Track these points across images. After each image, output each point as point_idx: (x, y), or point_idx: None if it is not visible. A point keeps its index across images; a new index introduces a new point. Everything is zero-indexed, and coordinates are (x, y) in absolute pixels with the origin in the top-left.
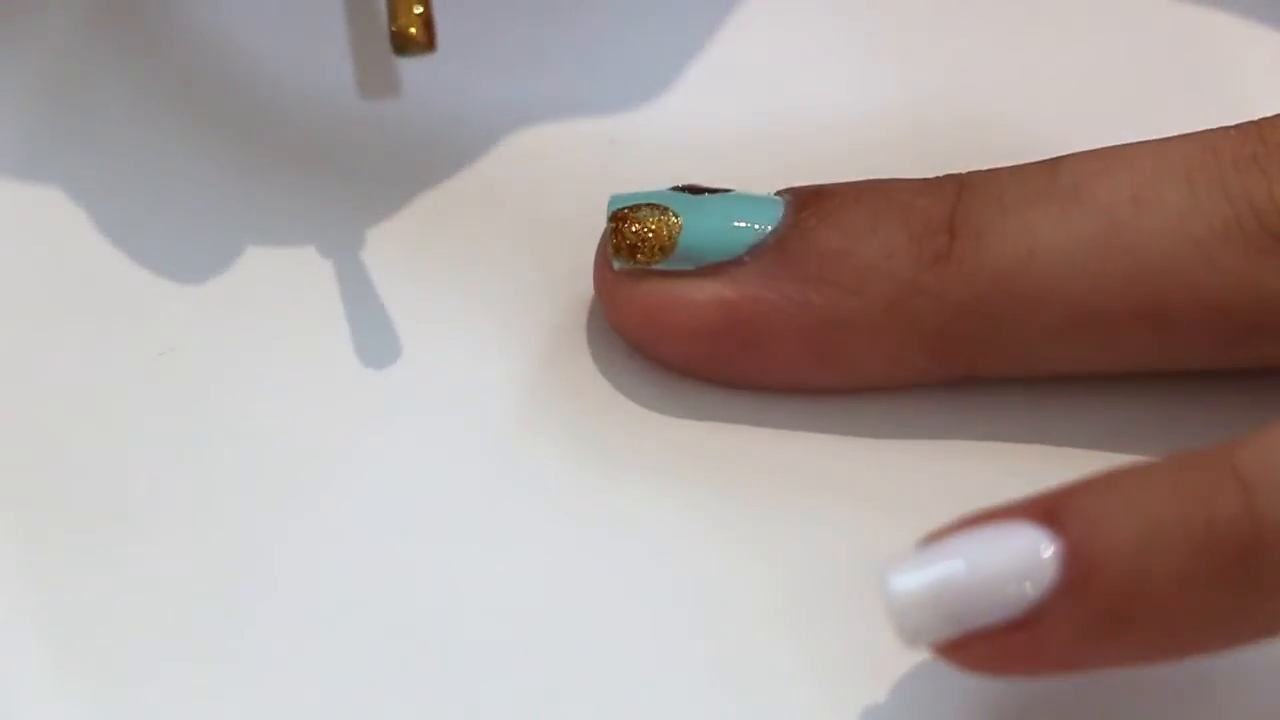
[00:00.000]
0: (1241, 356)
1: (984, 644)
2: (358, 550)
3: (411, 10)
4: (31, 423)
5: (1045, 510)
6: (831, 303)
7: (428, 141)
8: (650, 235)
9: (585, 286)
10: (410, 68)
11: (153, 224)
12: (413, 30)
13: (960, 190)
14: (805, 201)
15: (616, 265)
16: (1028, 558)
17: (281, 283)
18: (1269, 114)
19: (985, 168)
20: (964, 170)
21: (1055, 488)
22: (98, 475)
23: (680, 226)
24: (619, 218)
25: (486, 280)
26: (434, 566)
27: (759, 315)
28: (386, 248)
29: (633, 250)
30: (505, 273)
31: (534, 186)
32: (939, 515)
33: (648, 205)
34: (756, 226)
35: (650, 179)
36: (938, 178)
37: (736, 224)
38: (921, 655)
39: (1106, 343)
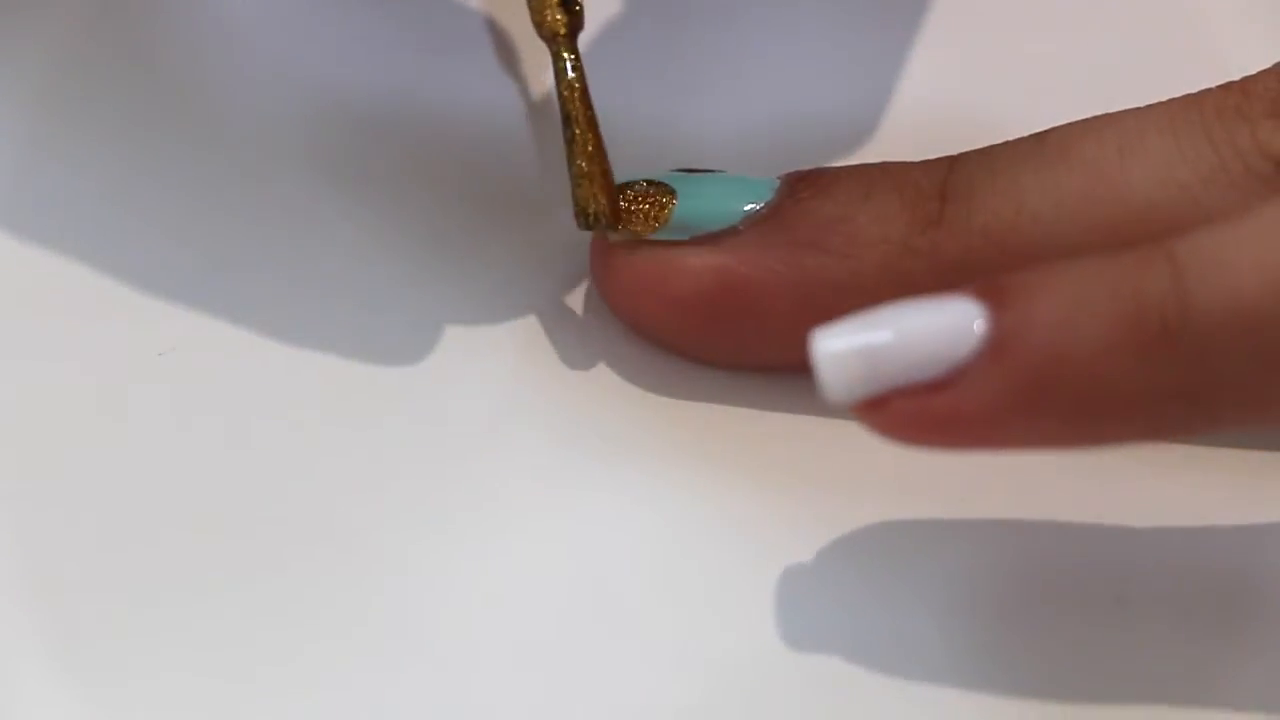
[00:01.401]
0: None
1: (903, 402)
2: (358, 545)
3: (595, 188)
4: (31, 423)
5: (984, 286)
6: (826, 267)
7: (425, 137)
8: (645, 205)
9: (579, 273)
10: (411, 66)
11: (152, 224)
12: (602, 210)
13: (952, 163)
14: (800, 177)
15: (612, 236)
16: (958, 322)
17: (281, 281)
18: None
19: None
20: None
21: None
22: (98, 475)
23: (675, 197)
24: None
25: (482, 276)
26: (432, 556)
27: (754, 280)
28: (383, 239)
29: (628, 219)
30: (502, 264)
31: (533, 185)
32: (936, 497)
33: (643, 180)
34: (750, 201)
35: (650, 177)
36: (932, 158)
37: (730, 198)
38: (923, 652)
39: None
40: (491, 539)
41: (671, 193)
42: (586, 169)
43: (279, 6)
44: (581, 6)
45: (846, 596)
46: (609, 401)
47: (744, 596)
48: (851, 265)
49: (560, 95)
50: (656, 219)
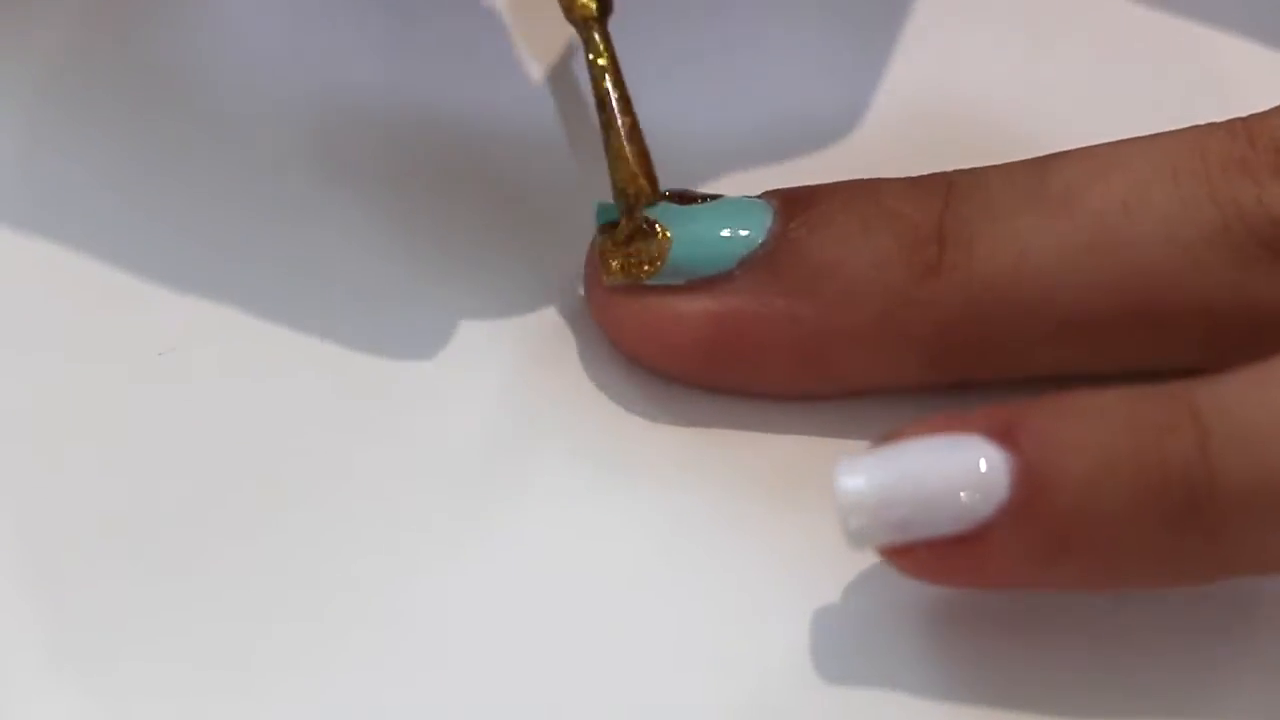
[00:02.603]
0: (1234, 358)
1: (927, 553)
2: (358, 545)
3: (634, 169)
4: (32, 423)
5: (1001, 425)
6: (823, 316)
7: (426, 141)
8: (640, 252)
9: (580, 282)
10: (410, 67)
11: (152, 224)
12: (643, 191)
13: (948, 194)
14: (793, 209)
15: (608, 281)
16: (978, 473)
17: (282, 283)
18: (1258, 109)
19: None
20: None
21: (1012, 403)
22: (98, 476)
23: (670, 242)
24: (608, 232)
25: (482, 277)
26: (433, 558)
27: (751, 330)
28: (385, 246)
29: (623, 267)
30: (501, 269)
31: (531, 183)
32: None
33: (635, 220)
34: (745, 233)
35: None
36: (925, 177)
37: (725, 235)
38: (923, 651)
39: (1098, 345)
40: (490, 550)
41: (667, 236)
42: (625, 151)
43: (279, 5)
44: None
45: (849, 609)
46: (607, 414)
47: (744, 613)
48: (849, 317)
49: (594, 79)
50: (652, 265)
